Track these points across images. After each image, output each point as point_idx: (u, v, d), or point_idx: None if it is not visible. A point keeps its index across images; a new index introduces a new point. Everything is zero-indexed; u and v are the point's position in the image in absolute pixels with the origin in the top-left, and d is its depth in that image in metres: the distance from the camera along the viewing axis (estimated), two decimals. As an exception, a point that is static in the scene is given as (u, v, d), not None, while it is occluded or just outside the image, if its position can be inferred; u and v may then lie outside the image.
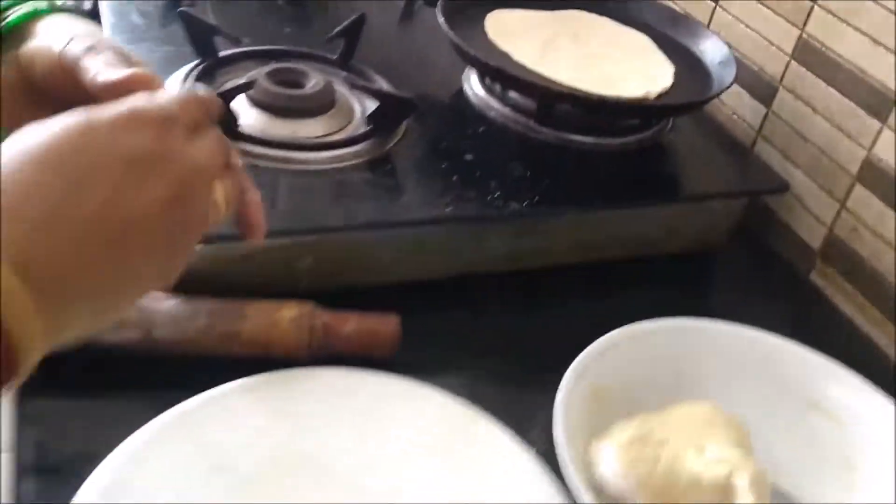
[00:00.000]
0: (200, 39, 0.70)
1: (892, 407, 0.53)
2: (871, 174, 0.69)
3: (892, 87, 0.66)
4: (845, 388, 0.55)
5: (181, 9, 0.70)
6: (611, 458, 0.49)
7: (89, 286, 0.31)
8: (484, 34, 0.75)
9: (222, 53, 0.71)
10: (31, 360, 0.30)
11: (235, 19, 0.77)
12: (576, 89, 0.67)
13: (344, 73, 0.72)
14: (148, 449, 0.45)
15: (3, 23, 0.43)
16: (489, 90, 0.74)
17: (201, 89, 0.39)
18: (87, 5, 0.81)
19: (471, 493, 0.47)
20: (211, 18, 0.72)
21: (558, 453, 0.46)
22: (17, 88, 0.42)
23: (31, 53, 0.41)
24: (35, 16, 0.43)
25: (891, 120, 0.66)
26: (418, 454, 0.48)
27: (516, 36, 0.75)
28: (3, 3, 0.44)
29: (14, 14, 0.43)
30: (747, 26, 0.80)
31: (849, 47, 0.70)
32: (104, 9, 0.76)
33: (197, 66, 0.69)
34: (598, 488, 0.48)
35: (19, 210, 0.29)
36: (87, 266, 0.31)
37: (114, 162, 0.31)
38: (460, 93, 0.75)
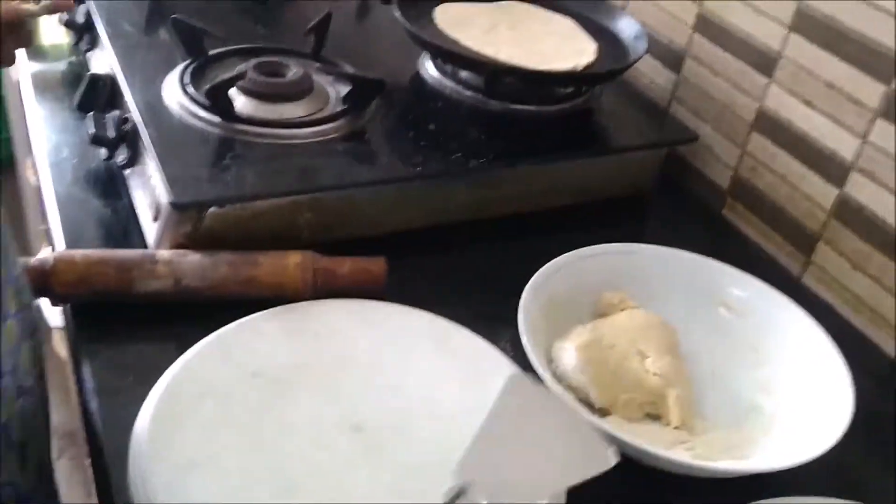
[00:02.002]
0: (191, 42, 0.80)
1: (785, 299, 0.67)
2: (763, 121, 0.83)
3: (775, 48, 0.80)
4: (747, 287, 0.68)
5: (174, 16, 0.80)
6: (571, 357, 0.61)
7: None
8: (434, 24, 0.87)
9: (212, 52, 0.81)
10: None
11: (213, 22, 0.87)
12: (516, 65, 0.80)
13: (317, 64, 0.84)
14: (195, 363, 0.56)
15: None
16: (442, 72, 0.86)
17: None
18: (81, 19, 0.91)
19: (456, 386, 0.59)
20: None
21: (525, 347, 0.58)
22: None
23: None
24: None
25: (776, 75, 0.81)
26: (412, 357, 0.60)
27: (462, 24, 0.87)
28: None
29: None
30: (655, 5, 0.94)
31: (738, 18, 0.84)
32: (98, 21, 0.86)
33: (189, 64, 0.80)
34: (559, 378, 0.60)
35: None
36: None
37: None
38: (417, 76, 0.87)
